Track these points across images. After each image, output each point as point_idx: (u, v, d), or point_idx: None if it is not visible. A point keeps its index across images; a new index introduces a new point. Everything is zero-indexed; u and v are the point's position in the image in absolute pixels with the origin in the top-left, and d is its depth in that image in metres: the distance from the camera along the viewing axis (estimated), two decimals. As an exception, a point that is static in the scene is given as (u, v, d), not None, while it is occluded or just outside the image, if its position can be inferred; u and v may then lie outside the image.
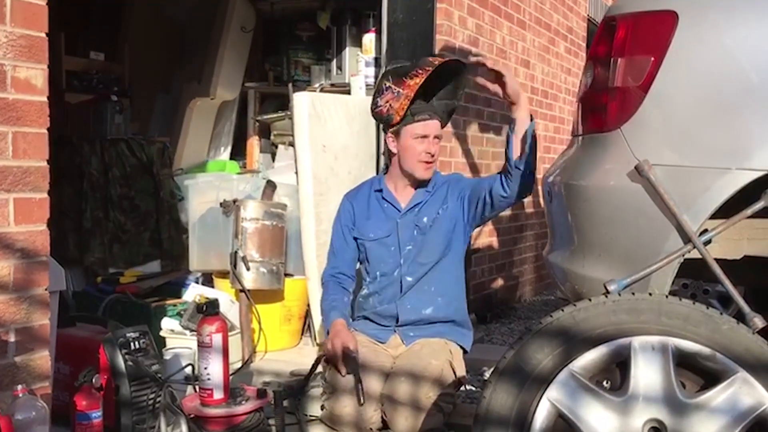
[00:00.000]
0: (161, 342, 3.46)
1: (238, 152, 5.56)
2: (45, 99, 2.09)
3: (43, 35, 2.07)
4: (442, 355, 2.48)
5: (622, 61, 2.00)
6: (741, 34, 1.87)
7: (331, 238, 2.87)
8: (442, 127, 2.72)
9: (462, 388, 2.86)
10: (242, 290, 3.69)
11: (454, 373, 2.49)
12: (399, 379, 2.38)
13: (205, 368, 2.25)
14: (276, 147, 5.21)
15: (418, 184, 2.73)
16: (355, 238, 2.78)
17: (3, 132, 1.98)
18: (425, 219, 2.68)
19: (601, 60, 2.09)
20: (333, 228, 2.87)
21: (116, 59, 5.45)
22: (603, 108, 2.06)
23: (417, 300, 2.64)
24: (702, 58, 1.91)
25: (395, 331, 2.65)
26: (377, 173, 4.23)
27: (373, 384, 2.42)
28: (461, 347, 2.64)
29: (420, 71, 2.59)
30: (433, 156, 2.66)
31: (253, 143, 5.51)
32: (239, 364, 3.53)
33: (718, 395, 1.70)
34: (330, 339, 2.50)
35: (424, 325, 2.61)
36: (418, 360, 2.44)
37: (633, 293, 1.81)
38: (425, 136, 2.64)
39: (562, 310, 1.82)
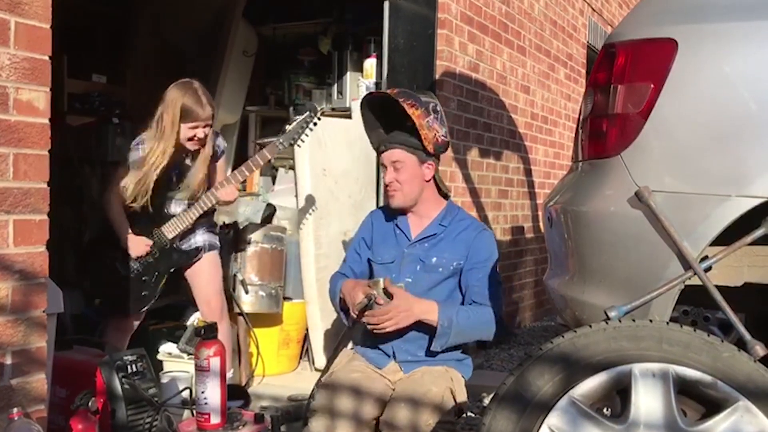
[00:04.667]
0: (159, 365, 3.45)
1: (239, 175, 5.57)
2: (47, 121, 2.09)
3: (47, 58, 2.08)
4: (442, 382, 2.46)
5: (622, 87, 2.01)
6: (740, 62, 1.88)
7: (350, 246, 2.87)
8: (429, 153, 2.62)
9: (463, 415, 2.83)
10: (240, 313, 3.68)
11: (455, 400, 2.46)
12: (399, 405, 2.36)
13: (203, 392, 2.23)
14: (276, 170, 5.22)
15: (426, 213, 2.68)
16: (368, 259, 2.76)
17: (4, 153, 1.98)
18: (434, 260, 2.61)
19: (601, 86, 2.10)
20: (354, 237, 2.87)
21: (118, 82, 5.48)
22: (603, 134, 2.06)
23: (412, 343, 2.59)
24: (702, 85, 1.91)
25: (394, 359, 2.63)
26: (377, 197, 4.24)
27: (367, 410, 2.40)
28: (462, 375, 2.62)
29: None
30: (389, 184, 2.63)
31: (254, 166, 5.51)
32: (237, 389, 3.50)
33: (719, 424, 1.69)
34: (348, 292, 2.58)
35: (422, 360, 2.58)
36: (419, 386, 2.42)
37: (633, 320, 1.80)
38: (386, 166, 2.64)
39: (562, 337, 1.81)
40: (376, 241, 2.74)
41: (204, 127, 3.20)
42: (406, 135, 2.61)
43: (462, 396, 2.50)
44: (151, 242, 3.26)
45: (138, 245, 3.24)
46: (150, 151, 3.16)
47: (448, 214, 2.68)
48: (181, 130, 3.17)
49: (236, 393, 3.29)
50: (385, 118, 2.69)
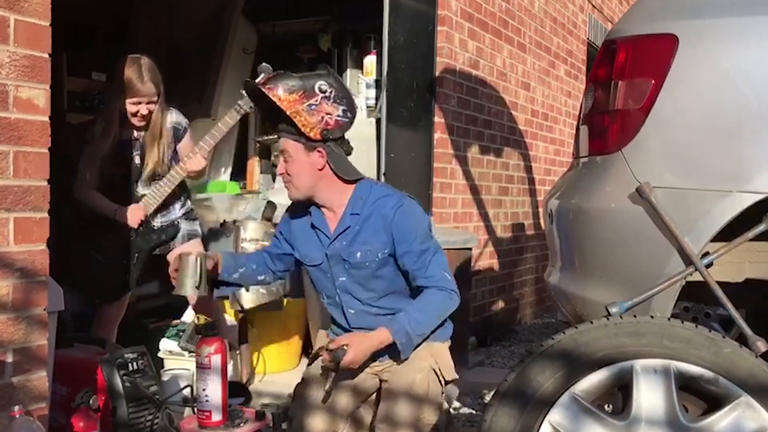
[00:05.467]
0: (159, 363, 3.45)
1: (239, 173, 5.57)
2: (47, 119, 2.09)
3: (46, 56, 2.08)
4: (425, 364, 2.34)
5: (622, 83, 2.00)
6: (741, 57, 1.88)
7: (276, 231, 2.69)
8: (309, 141, 2.33)
9: (456, 412, 2.78)
10: (241, 311, 3.67)
11: (441, 376, 2.39)
12: (389, 404, 2.33)
13: (204, 390, 2.23)
14: (276, 168, 5.22)
15: (335, 203, 2.43)
16: (298, 260, 2.56)
17: (4, 151, 1.98)
18: (358, 255, 2.37)
19: (601, 83, 2.10)
20: (281, 222, 2.67)
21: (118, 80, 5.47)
22: (604, 130, 2.06)
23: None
24: (702, 81, 1.91)
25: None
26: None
27: (345, 401, 2.37)
28: (443, 341, 2.46)
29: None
30: (281, 176, 2.44)
31: (254, 164, 5.52)
32: (238, 386, 3.50)
33: (721, 420, 1.69)
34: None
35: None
36: (404, 377, 2.34)
37: (635, 316, 1.80)
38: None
39: (564, 333, 1.81)
40: (298, 238, 2.52)
41: (147, 103, 3.17)
42: (289, 122, 2.36)
43: (447, 367, 2.39)
44: (144, 207, 3.24)
45: (133, 213, 3.22)
46: (98, 123, 3.18)
47: (358, 199, 2.40)
48: (126, 105, 3.16)
49: (237, 390, 3.29)
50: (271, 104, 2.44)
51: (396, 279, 2.41)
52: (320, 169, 2.38)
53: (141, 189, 3.28)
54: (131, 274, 3.29)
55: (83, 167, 3.24)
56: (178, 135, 3.34)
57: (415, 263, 2.34)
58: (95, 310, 3.51)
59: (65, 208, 4.10)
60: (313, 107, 2.31)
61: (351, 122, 2.40)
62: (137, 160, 3.26)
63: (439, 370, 2.37)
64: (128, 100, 3.14)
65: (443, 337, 2.48)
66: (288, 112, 2.31)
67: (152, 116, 3.23)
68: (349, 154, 2.45)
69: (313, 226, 2.46)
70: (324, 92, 2.33)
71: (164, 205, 3.30)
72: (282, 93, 2.31)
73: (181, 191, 3.40)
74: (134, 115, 3.17)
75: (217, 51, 5.37)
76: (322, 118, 2.32)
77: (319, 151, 2.36)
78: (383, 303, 2.43)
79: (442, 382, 2.38)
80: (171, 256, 3.31)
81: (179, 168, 3.25)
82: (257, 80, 2.37)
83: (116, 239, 3.23)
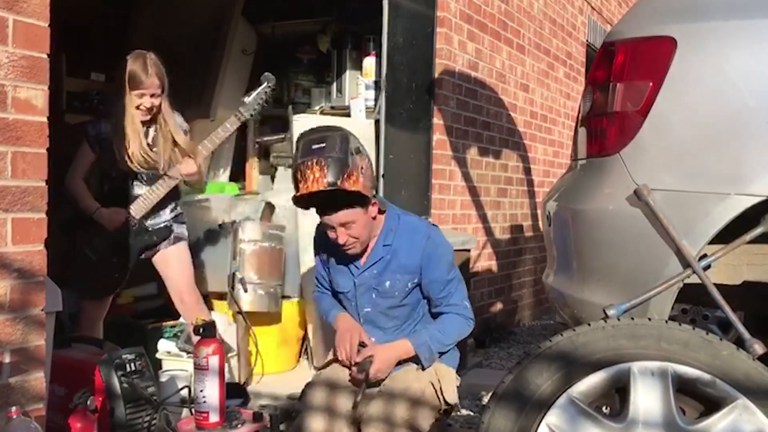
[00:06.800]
0: (157, 364, 3.45)
1: (238, 174, 5.57)
2: (45, 119, 2.09)
3: (45, 56, 2.08)
4: (425, 378, 2.41)
5: (620, 86, 2.01)
6: (739, 60, 1.88)
7: (315, 261, 2.71)
8: (366, 201, 2.32)
9: (454, 414, 2.78)
10: (240, 312, 3.67)
11: (441, 394, 2.42)
12: (376, 401, 2.34)
13: (201, 391, 2.23)
14: (275, 169, 5.22)
15: (368, 238, 2.44)
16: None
17: (2, 152, 1.98)
18: (387, 284, 2.45)
19: (600, 85, 2.10)
20: (314, 251, 2.68)
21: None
22: (602, 132, 2.07)
23: None
24: (700, 83, 1.92)
25: None
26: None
27: (342, 402, 2.39)
28: (450, 367, 2.54)
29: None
30: (344, 244, 2.38)
31: (253, 165, 5.51)
32: (236, 387, 3.50)
33: (718, 422, 1.69)
34: (341, 334, 2.46)
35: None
36: (401, 382, 2.38)
37: (632, 318, 1.80)
38: (332, 227, 2.37)
39: (561, 335, 1.81)
40: (330, 264, 2.57)
41: (151, 96, 3.19)
42: (341, 194, 2.28)
43: (450, 390, 2.43)
44: (126, 212, 3.23)
45: (113, 217, 3.22)
46: (123, 116, 3.18)
47: (389, 231, 2.46)
48: (132, 98, 3.17)
49: (235, 391, 3.29)
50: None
51: (417, 306, 2.51)
52: (374, 218, 2.42)
53: (137, 189, 3.28)
54: (120, 274, 3.29)
55: (80, 160, 3.25)
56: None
57: (440, 292, 2.45)
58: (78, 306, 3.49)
59: (64, 209, 4.11)
60: (363, 170, 2.31)
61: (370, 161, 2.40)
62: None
63: (440, 389, 2.42)
64: (133, 92, 3.16)
65: (450, 362, 2.55)
66: (363, 193, 2.29)
67: (160, 115, 3.23)
68: None
69: (344, 255, 2.47)
70: (357, 151, 2.31)
71: (155, 208, 3.30)
72: (349, 180, 2.26)
73: (174, 194, 3.39)
74: (137, 107, 3.18)
75: (217, 52, 5.37)
76: (365, 173, 2.32)
77: (373, 204, 2.39)
78: (403, 330, 2.50)
79: (441, 399, 2.42)
80: (157, 259, 3.34)
81: (174, 171, 3.25)
82: (328, 182, 2.24)
83: (109, 238, 3.22)
